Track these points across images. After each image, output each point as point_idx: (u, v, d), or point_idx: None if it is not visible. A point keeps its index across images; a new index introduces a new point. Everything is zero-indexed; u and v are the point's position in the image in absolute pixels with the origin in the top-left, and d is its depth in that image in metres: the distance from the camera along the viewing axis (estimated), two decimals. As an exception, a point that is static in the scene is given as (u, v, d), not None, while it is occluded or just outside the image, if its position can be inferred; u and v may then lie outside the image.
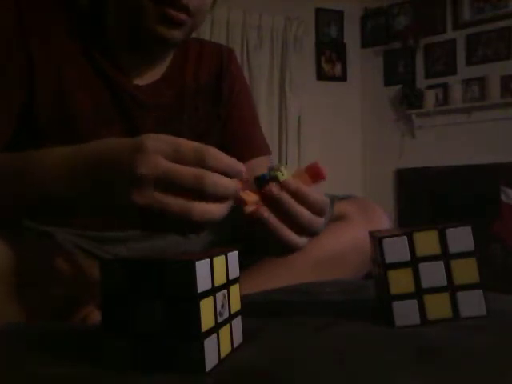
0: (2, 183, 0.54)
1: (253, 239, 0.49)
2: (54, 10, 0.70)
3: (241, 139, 0.86)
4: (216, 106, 0.84)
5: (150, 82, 0.76)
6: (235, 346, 0.38)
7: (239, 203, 0.45)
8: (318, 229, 0.48)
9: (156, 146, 0.41)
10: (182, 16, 0.65)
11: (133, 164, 0.41)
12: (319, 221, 0.47)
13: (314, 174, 0.47)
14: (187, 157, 0.41)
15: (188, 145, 0.42)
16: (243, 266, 0.45)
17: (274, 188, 0.45)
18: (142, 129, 0.75)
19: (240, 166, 0.44)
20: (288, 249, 0.47)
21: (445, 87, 3.61)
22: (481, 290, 0.42)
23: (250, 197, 0.46)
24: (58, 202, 0.50)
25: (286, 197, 0.45)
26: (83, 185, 0.46)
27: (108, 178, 0.43)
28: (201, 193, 0.41)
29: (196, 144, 0.42)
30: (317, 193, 0.47)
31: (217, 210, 0.42)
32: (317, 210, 0.47)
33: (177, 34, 0.67)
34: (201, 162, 0.41)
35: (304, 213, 0.46)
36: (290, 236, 0.46)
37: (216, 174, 0.42)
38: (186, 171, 0.41)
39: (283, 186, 0.45)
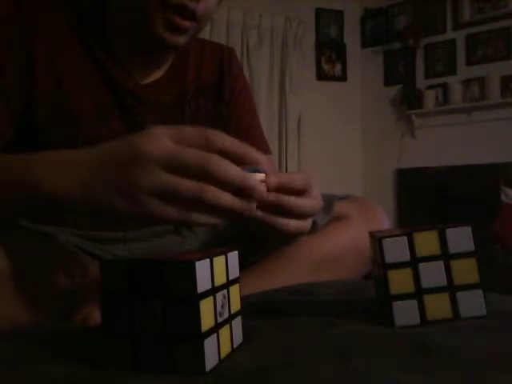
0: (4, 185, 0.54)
1: (254, 237, 0.49)
2: (55, 9, 0.70)
3: (241, 138, 0.86)
4: (217, 105, 0.84)
5: (152, 80, 0.76)
6: (235, 346, 0.38)
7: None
8: (314, 210, 0.49)
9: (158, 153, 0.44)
10: (188, 23, 0.65)
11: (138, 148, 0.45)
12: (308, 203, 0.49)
13: None
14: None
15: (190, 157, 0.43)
16: (243, 266, 0.45)
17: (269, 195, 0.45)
18: (143, 127, 0.75)
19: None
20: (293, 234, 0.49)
21: (445, 87, 3.61)
22: (481, 290, 0.42)
23: None
24: (66, 207, 0.50)
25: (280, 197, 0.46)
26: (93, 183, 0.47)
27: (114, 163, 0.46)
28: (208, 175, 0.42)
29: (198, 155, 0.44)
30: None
31: (230, 198, 0.43)
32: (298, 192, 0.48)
33: (181, 40, 0.67)
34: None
35: (300, 203, 0.47)
36: (288, 224, 0.47)
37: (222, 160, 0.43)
38: (192, 154, 0.43)
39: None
